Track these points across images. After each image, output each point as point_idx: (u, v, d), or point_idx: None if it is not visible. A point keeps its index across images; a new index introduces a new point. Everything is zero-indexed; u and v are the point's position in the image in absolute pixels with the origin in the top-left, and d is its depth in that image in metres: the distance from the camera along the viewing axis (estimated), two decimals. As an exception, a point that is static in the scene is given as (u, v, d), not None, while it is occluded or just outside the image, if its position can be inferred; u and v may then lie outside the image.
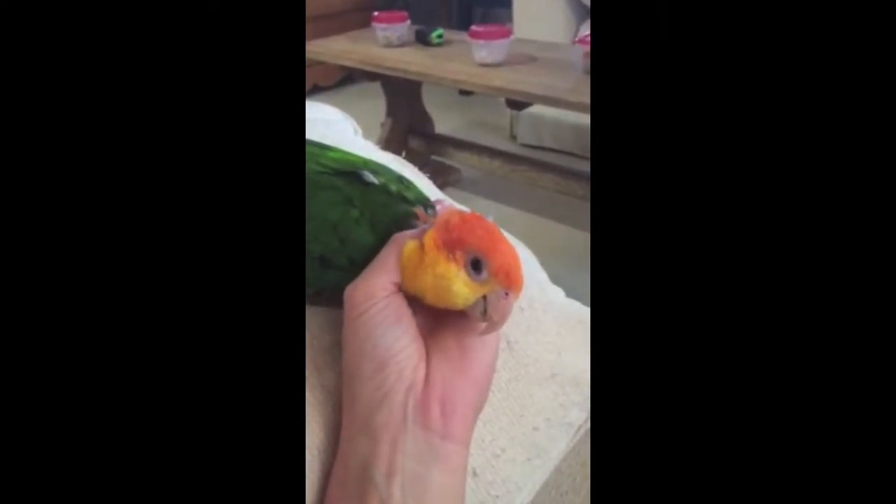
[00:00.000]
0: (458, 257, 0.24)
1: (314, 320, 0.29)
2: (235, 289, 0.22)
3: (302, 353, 0.27)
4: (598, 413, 0.22)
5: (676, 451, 0.21)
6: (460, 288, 0.24)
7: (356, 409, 0.24)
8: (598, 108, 0.23)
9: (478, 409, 0.27)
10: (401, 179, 0.31)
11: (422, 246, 0.25)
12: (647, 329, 0.22)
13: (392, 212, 0.28)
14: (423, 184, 0.40)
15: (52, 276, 0.21)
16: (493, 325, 0.25)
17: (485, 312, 0.25)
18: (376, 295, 0.25)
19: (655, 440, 0.21)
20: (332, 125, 0.45)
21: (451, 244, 0.25)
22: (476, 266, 0.24)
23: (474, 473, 0.28)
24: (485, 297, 0.25)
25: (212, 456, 0.21)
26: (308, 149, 0.31)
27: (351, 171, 0.29)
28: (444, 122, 1.95)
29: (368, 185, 0.28)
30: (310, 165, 0.29)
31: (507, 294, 0.24)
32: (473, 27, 1.23)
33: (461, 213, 0.26)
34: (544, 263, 0.40)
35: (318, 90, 2.44)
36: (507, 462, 0.30)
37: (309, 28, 2.30)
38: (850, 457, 0.20)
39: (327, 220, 0.27)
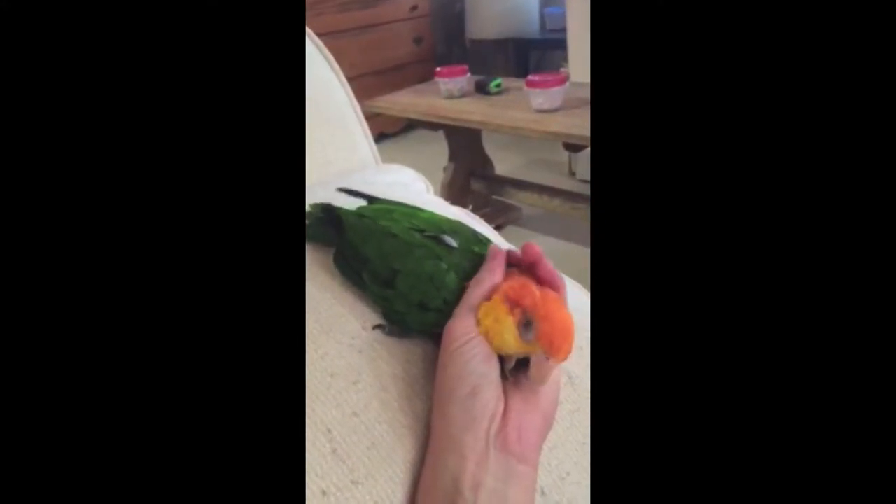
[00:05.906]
0: (515, 313, 0.30)
1: (406, 356, 0.35)
2: (236, 288, 0.23)
3: (302, 356, 0.30)
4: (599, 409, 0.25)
5: (680, 454, 0.23)
6: (509, 337, 0.30)
7: (447, 428, 0.29)
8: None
9: (545, 437, 0.31)
10: (476, 235, 0.37)
11: (489, 299, 0.31)
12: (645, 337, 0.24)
13: (472, 263, 0.34)
14: (490, 233, 0.45)
15: (50, 277, 0.21)
16: (534, 382, 0.30)
17: (514, 366, 0.30)
18: (471, 332, 0.30)
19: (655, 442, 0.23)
20: (408, 187, 0.52)
21: (512, 302, 0.30)
22: (527, 326, 0.29)
23: (542, 492, 0.32)
24: (529, 357, 0.30)
25: (213, 457, 0.22)
26: (404, 209, 0.38)
27: (436, 236, 0.35)
28: (504, 162, 2.02)
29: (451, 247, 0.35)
30: (405, 224, 0.36)
31: (547, 358, 0.29)
32: (530, 77, 1.30)
33: (525, 280, 0.31)
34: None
35: (383, 137, 2.59)
36: (573, 484, 0.33)
37: (375, 80, 2.51)
38: (844, 435, 0.21)
39: (424, 272, 0.34)
